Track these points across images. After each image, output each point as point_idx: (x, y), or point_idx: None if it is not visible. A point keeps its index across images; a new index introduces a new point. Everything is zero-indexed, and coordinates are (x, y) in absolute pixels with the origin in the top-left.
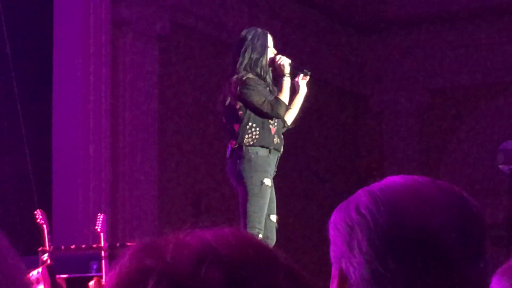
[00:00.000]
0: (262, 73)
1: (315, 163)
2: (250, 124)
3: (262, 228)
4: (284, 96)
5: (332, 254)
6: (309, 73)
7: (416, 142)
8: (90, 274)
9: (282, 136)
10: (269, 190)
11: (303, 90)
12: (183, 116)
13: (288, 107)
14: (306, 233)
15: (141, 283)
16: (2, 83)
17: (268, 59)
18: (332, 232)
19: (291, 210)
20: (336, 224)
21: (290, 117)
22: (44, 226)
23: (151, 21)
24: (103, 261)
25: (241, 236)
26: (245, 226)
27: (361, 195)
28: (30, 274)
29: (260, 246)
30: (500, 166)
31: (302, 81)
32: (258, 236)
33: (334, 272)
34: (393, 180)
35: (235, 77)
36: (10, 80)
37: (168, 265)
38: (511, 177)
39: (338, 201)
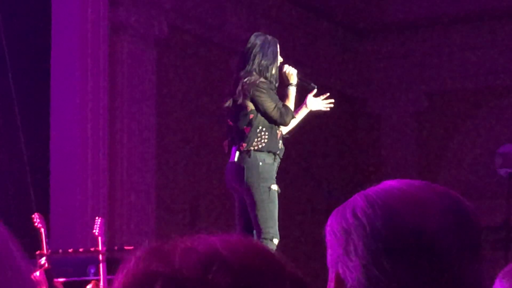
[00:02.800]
0: (272, 80)
1: (312, 166)
2: (260, 127)
3: (276, 232)
4: (291, 105)
5: (328, 258)
6: (315, 87)
7: (414, 146)
8: (88, 278)
9: (283, 143)
10: (276, 195)
11: (310, 108)
12: (181, 119)
13: (293, 116)
14: (303, 237)
15: (148, 287)
16: (0, 87)
17: (277, 67)
18: (328, 236)
19: (288, 213)
20: (333, 228)
21: (288, 127)
22: (42, 229)
23: (149, 24)
24: (100, 265)
25: (249, 243)
26: (259, 233)
27: (358, 199)
28: None
29: (267, 254)
30: (498, 170)
31: (316, 102)
32: (273, 241)
33: (331, 276)
34: (389, 184)
35: (247, 79)
36: (7, 83)
37: (176, 270)
38: (509, 181)
39: (335, 205)
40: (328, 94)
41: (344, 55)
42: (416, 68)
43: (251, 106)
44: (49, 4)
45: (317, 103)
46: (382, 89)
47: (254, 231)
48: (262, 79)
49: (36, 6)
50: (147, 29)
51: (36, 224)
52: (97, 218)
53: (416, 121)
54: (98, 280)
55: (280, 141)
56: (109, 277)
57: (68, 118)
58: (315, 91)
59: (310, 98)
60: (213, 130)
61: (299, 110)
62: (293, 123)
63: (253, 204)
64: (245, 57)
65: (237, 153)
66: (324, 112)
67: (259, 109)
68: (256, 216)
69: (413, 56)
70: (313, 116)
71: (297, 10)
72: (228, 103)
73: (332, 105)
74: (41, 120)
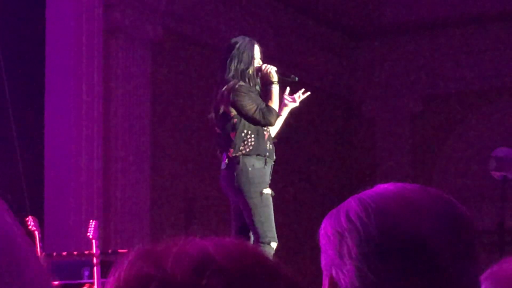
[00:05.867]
0: (250, 83)
1: (307, 169)
2: (245, 131)
3: (274, 235)
4: (275, 104)
5: (322, 261)
6: (296, 79)
7: (409, 149)
8: (82, 281)
9: (273, 143)
10: (270, 198)
11: (290, 106)
12: (175, 121)
13: (278, 115)
14: (297, 239)
15: None
16: None
17: (254, 69)
18: (322, 240)
19: (283, 216)
20: (327, 232)
21: (275, 128)
22: (36, 232)
23: (144, 26)
24: (95, 268)
25: (242, 247)
26: (257, 237)
27: (351, 202)
28: None
29: (261, 257)
30: (493, 173)
31: (298, 98)
32: (270, 244)
33: (325, 279)
34: (383, 187)
35: (226, 86)
36: (2, 86)
37: (168, 274)
38: (503, 184)
39: (330, 208)
40: (303, 89)
41: (339, 58)
42: (411, 71)
43: (233, 111)
44: (43, 7)
45: (294, 99)
46: (376, 92)
47: (251, 236)
48: (240, 83)
49: (30, 9)
50: (142, 31)
51: (30, 227)
52: (91, 221)
53: (411, 124)
54: (92, 283)
55: (268, 142)
56: (103, 280)
57: (62, 120)
58: (288, 89)
59: (286, 97)
60: (207, 133)
61: (280, 111)
62: (278, 124)
63: (248, 209)
64: (223, 64)
65: (226, 160)
66: (320, 115)
67: (241, 113)
68: (252, 221)
69: (407, 59)
70: (308, 118)
71: (291, 13)
72: (212, 113)
73: (308, 93)
74: (36, 122)
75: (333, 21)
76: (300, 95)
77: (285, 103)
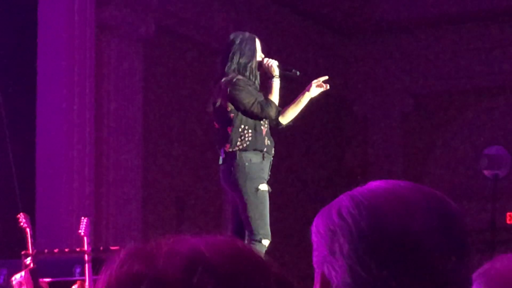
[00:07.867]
0: (251, 77)
1: (299, 167)
2: (242, 126)
3: (267, 233)
4: (274, 97)
5: (314, 258)
6: (297, 73)
7: (400, 147)
8: (73, 278)
9: (272, 138)
10: (266, 195)
11: (312, 94)
12: (167, 119)
13: (277, 108)
14: (289, 237)
15: None
16: None
17: (257, 63)
18: (314, 237)
19: (274, 213)
20: (318, 229)
21: (290, 115)
22: (27, 229)
23: (136, 24)
24: (86, 265)
25: (233, 244)
26: (249, 233)
27: (343, 199)
28: (13, 278)
29: (252, 256)
30: (484, 171)
31: (317, 88)
32: (262, 242)
33: (317, 276)
34: (375, 184)
35: (224, 79)
36: None
37: (160, 272)
38: (494, 182)
39: (322, 205)
40: (327, 77)
41: (330, 56)
42: (402, 69)
43: (230, 106)
44: (36, 4)
45: (318, 88)
46: (368, 90)
47: (246, 232)
48: (238, 76)
49: (22, 5)
50: (134, 29)
51: (21, 224)
52: (82, 218)
53: (402, 122)
54: (84, 281)
55: (266, 138)
56: (95, 277)
57: (54, 117)
58: (323, 78)
59: (313, 85)
60: (199, 130)
61: (300, 97)
62: (296, 111)
63: (242, 205)
64: (225, 58)
65: (224, 155)
66: (312, 113)
67: (239, 107)
68: (246, 217)
69: (399, 58)
70: (300, 116)
71: (283, 11)
72: (211, 107)
73: (328, 86)
74: (27, 119)
75: (325, 18)
76: (315, 86)
77: (309, 89)
